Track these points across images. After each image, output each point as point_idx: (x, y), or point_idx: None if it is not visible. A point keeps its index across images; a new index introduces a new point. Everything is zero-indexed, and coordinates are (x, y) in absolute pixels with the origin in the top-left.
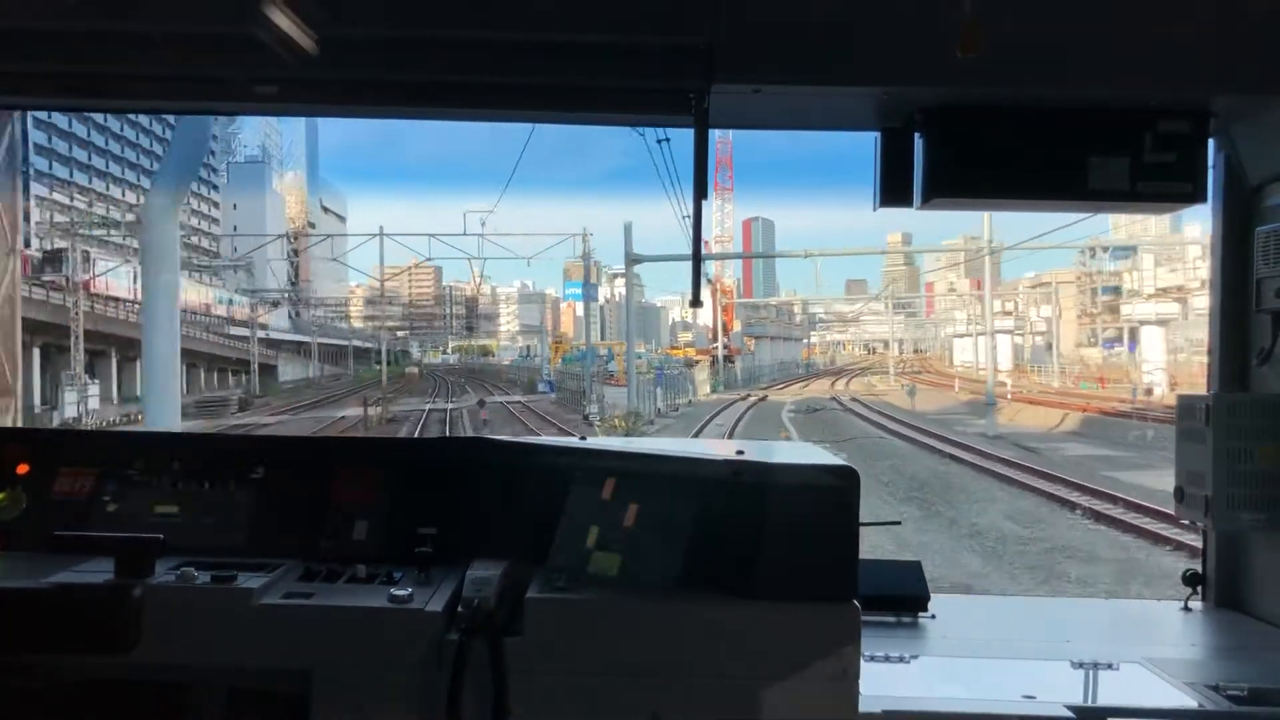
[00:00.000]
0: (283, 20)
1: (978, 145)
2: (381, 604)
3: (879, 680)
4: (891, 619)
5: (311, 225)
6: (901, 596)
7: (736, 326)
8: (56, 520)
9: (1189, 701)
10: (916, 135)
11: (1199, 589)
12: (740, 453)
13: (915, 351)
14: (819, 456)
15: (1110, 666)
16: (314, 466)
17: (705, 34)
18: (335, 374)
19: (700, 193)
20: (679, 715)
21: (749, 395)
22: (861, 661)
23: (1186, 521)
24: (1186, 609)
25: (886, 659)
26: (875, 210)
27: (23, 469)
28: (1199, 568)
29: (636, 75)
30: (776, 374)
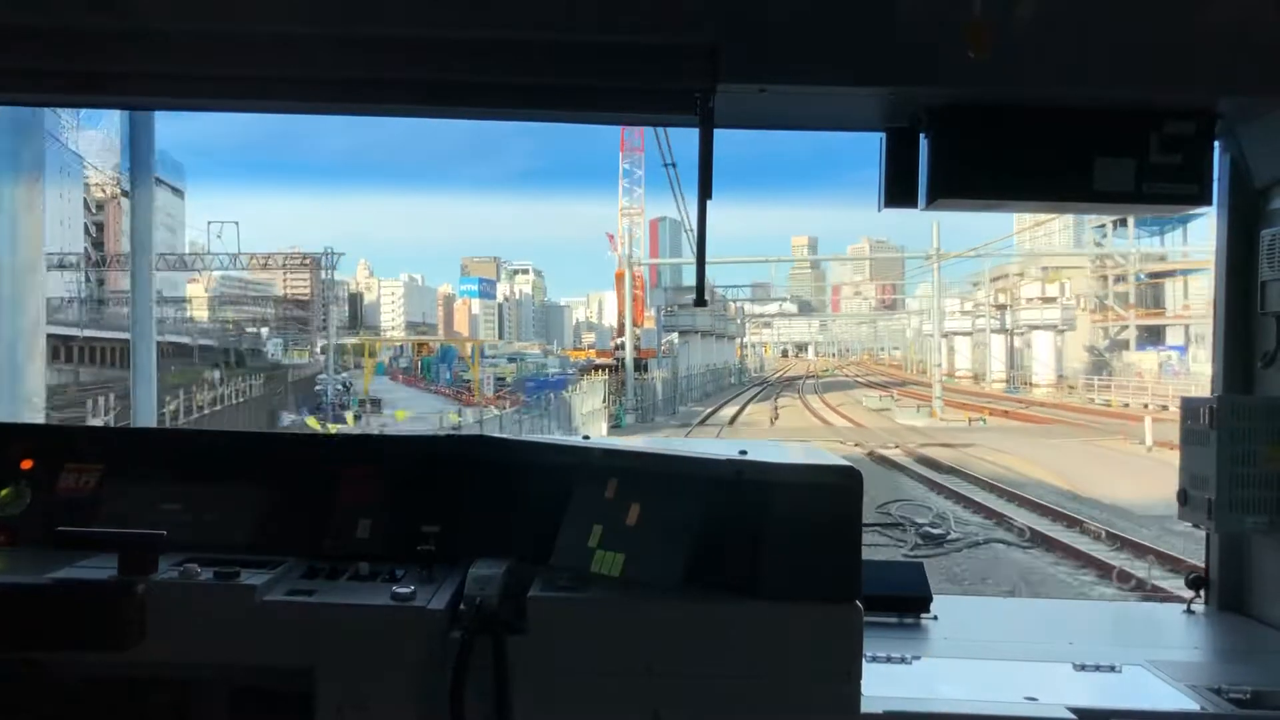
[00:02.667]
0: (283, 18)
1: (983, 146)
2: (384, 602)
3: (881, 681)
4: (894, 619)
5: (125, 194)
6: (904, 597)
7: (650, 323)
8: (60, 516)
9: (1191, 704)
10: (922, 136)
11: (1202, 591)
12: (743, 452)
13: (834, 355)
14: (822, 456)
15: (1112, 668)
16: (317, 464)
17: (710, 34)
18: (105, 380)
19: (704, 193)
20: (681, 715)
21: (687, 437)
22: (864, 662)
23: (1189, 524)
24: (1189, 611)
25: (889, 659)
26: (880, 211)
27: (27, 464)
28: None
29: (641, 75)
30: (710, 386)
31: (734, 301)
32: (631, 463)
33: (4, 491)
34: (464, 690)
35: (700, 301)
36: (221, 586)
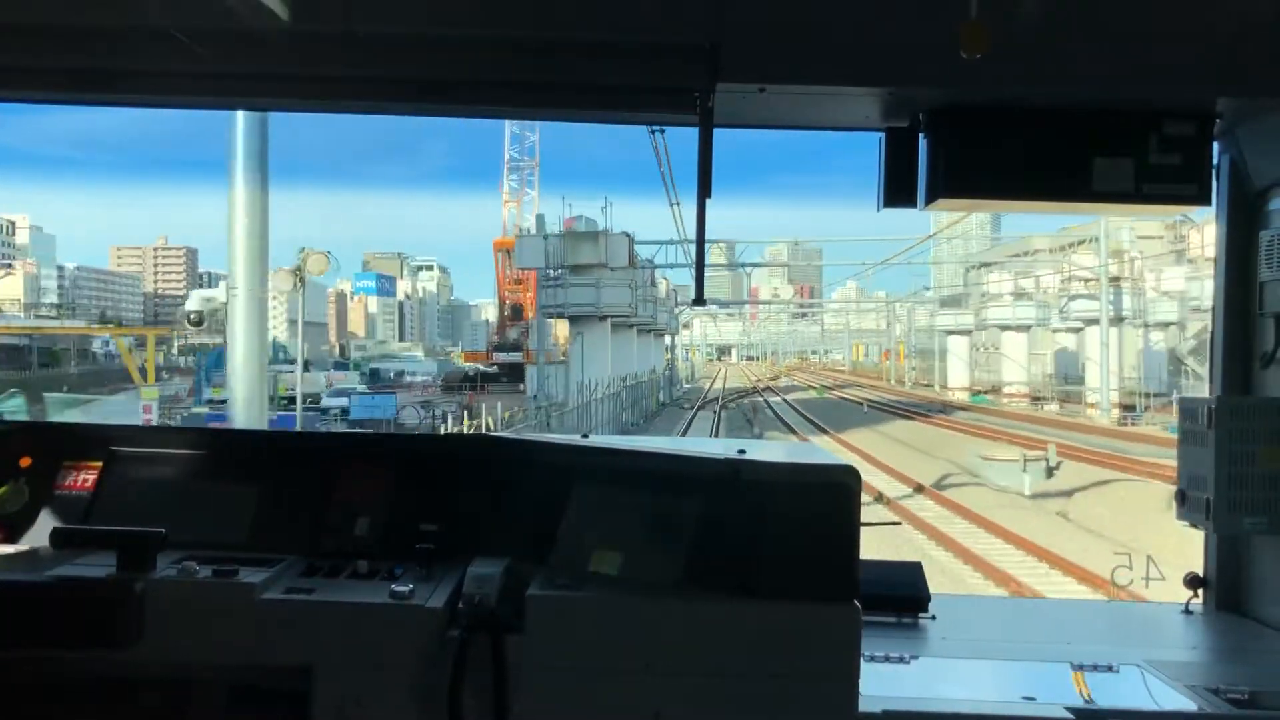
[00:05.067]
0: (285, 16)
1: (982, 146)
2: (383, 600)
3: (879, 680)
4: (892, 619)
5: None
6: (902, 597)
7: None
8: (59, 514)
9: (1189, 704)
10: (921, 135)
11: (1199, 592)
12: (742, 452)
13: (750, 357)
14: (821, 456)
15: (1110, 668)
16: (316, 462)
17: (710, 33)
18: None
19: (704, 191)
20: (679, 713)
21: None
22: (862, 661)
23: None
24: (1187, 612)
25: (887, 659)
26: (879, 211)
27: (25, 462)
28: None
29: (641, 74)
30: (629, 415)
31: (665, 277)
32: (631, 462)
33: (3, 489)
34: (462, 689)
35: (699, 300)
36: (220, 585)
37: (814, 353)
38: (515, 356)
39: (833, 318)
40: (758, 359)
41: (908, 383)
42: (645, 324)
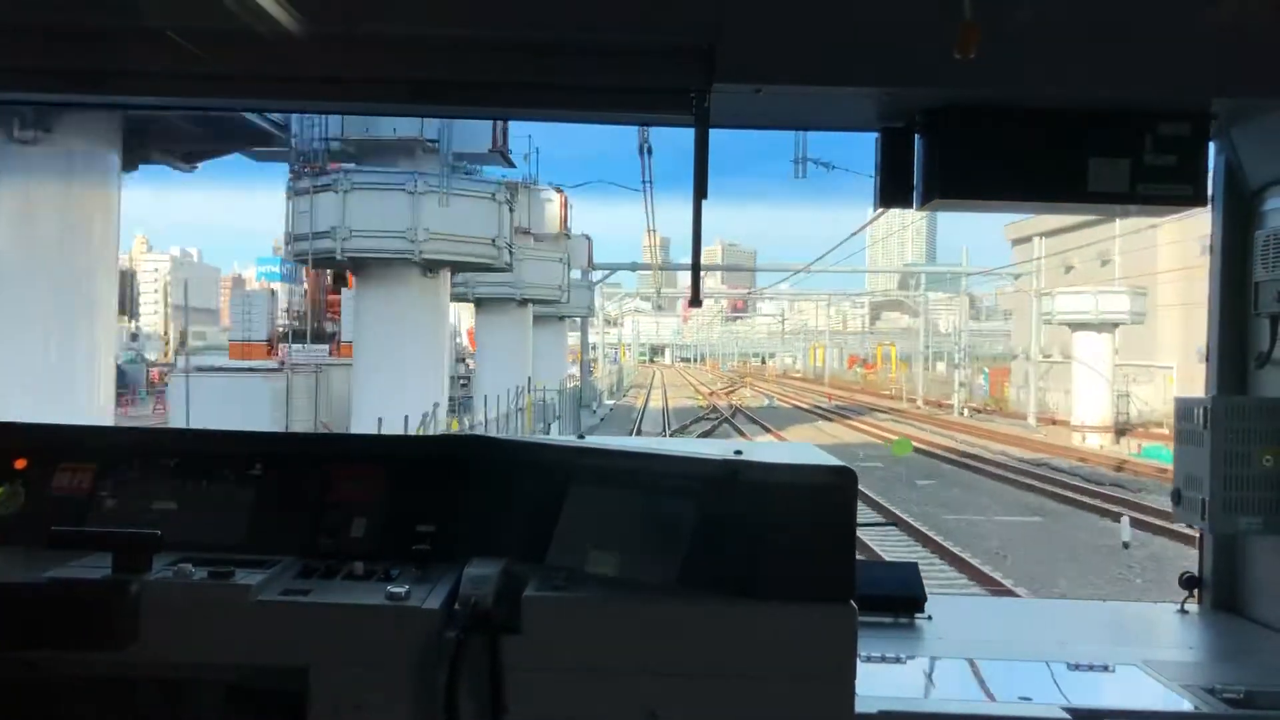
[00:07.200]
0: (282, 16)
1: (978, 146)
2: (379, 601)
3: (875, 681)
4: (888, 620)
5: None
6: (898, 597)
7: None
8: (54, 515)
9: (1185, 704)
10: (917, 136)
11: (1195, 592)
12: (738, 452)
13: (684, 359)
14: (817, 457)
15: (1106, 668)
16: (312, 463)
17: (706, 34)
18: None
19: (700, 193)
20: (676, 714)
21: None
22: (858, 662)
23: (1184, 524)
24: (1183, 611)
25: (883, 659)
26: (875, 210)
27: (20, 464)
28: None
29: (637, 75)
30: None
31: (560, 188)
32: (627, 463)
33: None
34: (459, 690)
35: (695, 302)
36: (216, 586)
37: (756, 355)
38: (320, 352)
39: (773, 313)
40: (693, 361)
41: (958, 407)
42: (504, 285)
